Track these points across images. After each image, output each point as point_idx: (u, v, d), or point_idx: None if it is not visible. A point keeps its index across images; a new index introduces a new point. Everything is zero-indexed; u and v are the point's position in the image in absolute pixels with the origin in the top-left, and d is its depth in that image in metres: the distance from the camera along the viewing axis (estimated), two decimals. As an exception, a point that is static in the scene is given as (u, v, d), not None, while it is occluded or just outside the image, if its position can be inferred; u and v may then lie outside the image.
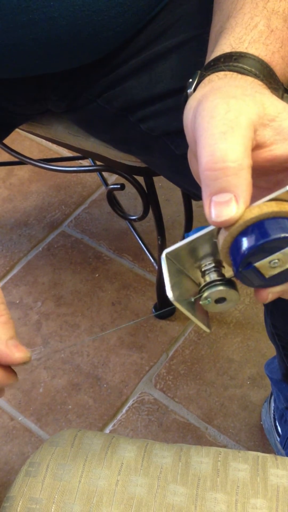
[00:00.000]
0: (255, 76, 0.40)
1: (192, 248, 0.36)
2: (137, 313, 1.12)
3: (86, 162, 1.28)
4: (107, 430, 0.99)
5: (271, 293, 0.35)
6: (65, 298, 1.15)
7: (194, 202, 0.99)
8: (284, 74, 0.43)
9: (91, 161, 1.14)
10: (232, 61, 0.40)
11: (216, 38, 0.45)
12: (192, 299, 0.37)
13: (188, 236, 0.36)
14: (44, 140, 1.38)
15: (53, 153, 1.41)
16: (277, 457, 0.50)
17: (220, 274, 0.36)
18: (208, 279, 0.36)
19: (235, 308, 1.13)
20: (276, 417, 0.91)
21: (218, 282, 0.36)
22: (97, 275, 1.18)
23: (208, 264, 0.36)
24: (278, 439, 0.91)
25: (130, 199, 1.28)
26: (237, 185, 0.32)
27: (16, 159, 0.93)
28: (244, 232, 0.33)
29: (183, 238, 0.36)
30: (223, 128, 0.33)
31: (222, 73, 0.40)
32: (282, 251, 0.32)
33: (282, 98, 0.42)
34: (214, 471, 0.49)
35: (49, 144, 1.40)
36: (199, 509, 0.46)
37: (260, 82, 0.40)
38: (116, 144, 0.75)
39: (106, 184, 1.26)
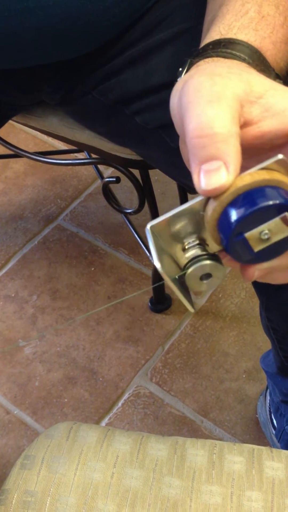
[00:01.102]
0: (244, 61, 0.39)
1: (174, 226, 0.35)
2: (133, 307, 1.12)
3: (82, 155, 1.27)
4: (103, 424, 0.99)
5: (257, 270, 0.34)
6: (61, 291, 1.15)
7: (190, 195, 0.99)
8: (275, 60, 0.42)
9: (86, 154, 1.14)
10: (221, 47, 0.40)
11: (208, 27, 0.45)
12: (176, 276, 0.35)
13: None
14: (39, 133, 1.37)
15: (49, 146, 1.40)
16: (272, 450, 0.50)
17: (204, 250, 0.35)
18: (191, 254, 0.35)
19: (231, 302, 1.13)
20: (271, 410, 0.92)
21: (203, 257, 0.34)
22: (92, 268, 1.18)
23: (192, 241, 0.35)
24: (274, 432, 0.91)
25: (126, 192, 1.27)
26: (227, 152, 0.32)
27: (11, 152, 0.93)
28: (235, 200, 0.32)
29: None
30: (209, 98, 0.33)
31: (209, 58, 0.40)
32: (274, 220, 0.31)
33: None
34: (209, 463, 0.49)
35: (44, 137, 1.40)
36: (194, 502, 0.46)
37: (247, 65, 0.39)
38: (111, 137, 0.75)
39: (102, 177, 1.26)
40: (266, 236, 0.32)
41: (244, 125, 0.34)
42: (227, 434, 0.97)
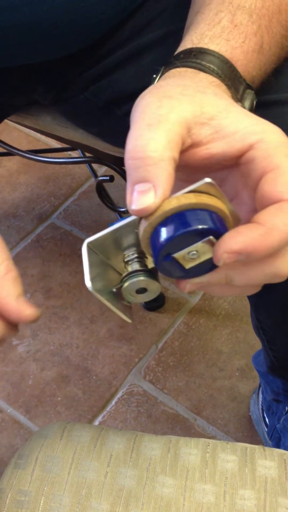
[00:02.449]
0: (213, 72, 0.39)
1: (116, 239, 0.36)
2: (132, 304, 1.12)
3: (75, 154, 1.27)
4: (96, 422, 0.99)
5: (189, 284, 0.36)
6: (54, 290, 1.15)
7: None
8: (247, 70, 0.43)
9: (80, 152, 1.14)
10: (191, 57, 0.40)
11: (185, 33, 0.45)
12: (114, 289, 0.37)
13: (111, 225, 0.36)
14: (32, 131, 1.37)
15: (42, 144, 1.40)
16: (265, 449, 0.51)
17: (142, 265, 0.37)
18: (130, 269, 0.36)
19: (224, 300, 1.13)
20: (264, 408, 0.92)
21: (139, 273, 0.36)
22: (86, 267, 1.18)
23: (131, 254, 0.37)
24: (266, 430, 0.92)
25: (120, 191, 1.27)
26: (156, 175, 0.32)
27: (4, 150, 0.93)
28: (163, 223, 0.33)
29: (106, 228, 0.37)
30: (150, 121, 0.33)
31: (178, 69, 0.40)
32: (199, 242, 0.33)
33: (244, 93, 0.42)
34: (202, 462, 0.49)
35: (38, 135, 1.39)
36: (187, 500, 0.47)
37: (213, 79, 0.39)
38: (104, 137, 0.75)
39: (96, 176, 1.26)
40: (194, 256, 0.33)
41: (192, 146, 0.35)
42: (220, 432, 0.98)
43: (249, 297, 0.72)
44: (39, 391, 1.03)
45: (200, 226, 0.32)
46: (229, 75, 0.40)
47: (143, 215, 0.33)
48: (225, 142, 0.34)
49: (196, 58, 0.40)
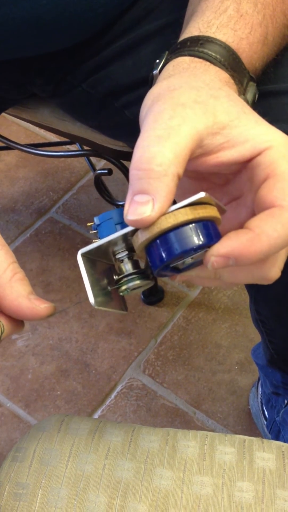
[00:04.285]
0: (220, 63, 0.39)
1: (108, 250, 0.37)
2: (126, 299, 1.12)
3: (74, 147, 1.27)
4: (95, 416, 0.99)
5: (180, 275, 0.37)
6: (53, 284, 1.15)
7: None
8: (251, 62, 0.42)
9: (78, 146, 1.13)
10: (198, 46, 0.40)
11: (187, 20, 0.44)
12: (109, 288, 0.38)
13: (97, 219, 0.37)
14: (31, 125, 1.36)
15: (40, 138, 1.40)
16: (263, 441, 0.51)
17: (134, 263, 0.38)
18: (123, 268, 0.38)
19: (224, 294, 1.13)
20: (263, 402, 0.92)
21: (135, 276, 0.37)
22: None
23: (121, 251, 0.37)
24: (265, 423, 0.92)
25: (118, 184, 1.27)
26: (157, 190, 0.32)
27: (3, 144, 0.92)
28: (161, 239, 0.34)
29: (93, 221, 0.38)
30: (160, 132, 0.33)
31: (186, 60, 0.39)
32: (196, 254, 0.34)
33: (247, 86, 0.42)
34: (200, 454, 0.49)
35: (36, 129, 1.39)
36: (185, 492, 0.47)
37: (223, 75, 0.39)
38: (102, 129, 0.74)
39: (94, 170, 1.25)
40: (189, 261, 0.35)
41: (203, 154, 0.35)
42: (219, 426, 0.98)
43: (249, 290, 0.72)
44: (39, 385, 1.03)
45: (199, 244, 0.33)
46: (234, 67, 0.40)
47: (138, 226, 0.34)
48: (235, 150, 0.34)
49: (203, 48, 0.40)
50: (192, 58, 0.40)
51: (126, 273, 0.37)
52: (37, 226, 1.24)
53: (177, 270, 0.36)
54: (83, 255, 0.36)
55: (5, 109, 0.79)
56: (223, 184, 0.38)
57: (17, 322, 0.38)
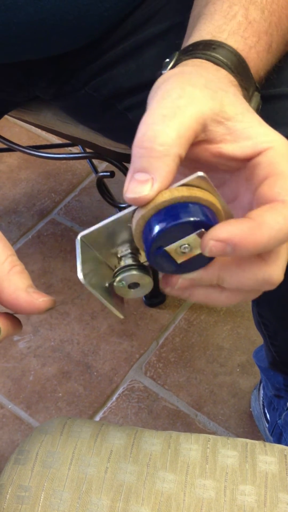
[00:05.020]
0: (230, 70, 0.39)
1: (109, 234, 0.36)
2: (127, 301, 1.12)
3: (76, 149, 1.27)
4: (97, 418, 0.99)
5: (181, 279, 0.35)
6: (55, 286, 1.15)
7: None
8: (257, 70, 0.43)
9: (80, 148, 1.13)
10: (211, 50, 0.40)
11: (193, 22, 0.44)
12: (107, 284, 0.37)
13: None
14: (33, 127, 1.36)
15: (43, 140, 1.40)
16: (265, 444, 0.51)
17: (135, 260, 0.37)
18: (123, 263, 0.37)
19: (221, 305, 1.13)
20: (265, 404, 0.92)
21: (132, 267, 0.36)
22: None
23: (124, 250, 0.37)
24: (267, 425, 0.92)
25: (120, 186, 1.27)
26: (157, 169, 0.32)
27: (5, 146, 0.92)
28: (155, 215, 0.33)
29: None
30: (166, 111, 0.33)
31: (198, 60, 0.39)
32: (191, 235, 0.33)
33: (252, 96, 0.42)
34: (203, 458, 0.49)
35: (38, 131, 1.39)
36: (188, 496, 0.47)
37: (232, 78, 0.39)
38: (104, 132, 0.75)
39: (96, 172, 1.25)
40: (186, 250, 0.33)
41: (205, 141, 0.35)
42: (221, 428, 0.98)
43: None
44: (40, 387, 1.03)
45: (191, 219, 0.32)
46: (243, 75, 0.40)
47: (136, 204, 0.33)
48: (238, 145, 0.34)
49: (215, 53, 0.40)
50: (203, 60, 0.40)
51: (123, 265, 0.37)
52: (39, 228, 1.24)
53: (176, 265, 0.34)
54: (82, 240, 0.36)
55: (8, 111, 0.79)
56: (219, 186, 0.38)
57: (14, 323, 0.37)
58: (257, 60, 0.42)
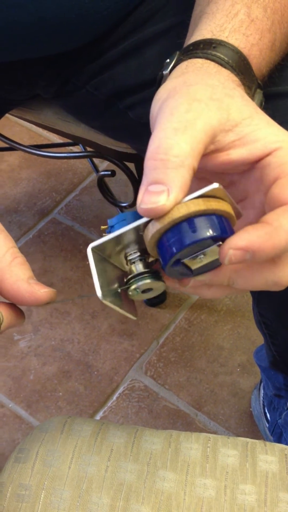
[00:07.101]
0: (231, 68, 0.39)
1: (119, 245, 0.36)
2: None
3: (77, 149, 1.27)
4: (97, 417, 0.99)
5: (193, 280, 0.36)
6: (56, 285, 1.15)
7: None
8: (259, 68, 0.43)
9: (81, 147, 1.13)
10: (211, 49, 0.40)
11: (195, 21, 0.44)
12: (119, 290, 0.37)
13: (111, 222, 0.37)
14: (34, 126, 1.37)
15: (44, 139, 1.40)
16: (266, 443, 0.51)
17: (146, 264, 0.37)
18: (134, 269, 0.37)
19: (226, 296, 1.13)
20: (265, 404, 0.92)
21: (145, 275, 0.36)
22: (87, 262, 1.18)
23: (133, 252, 0.37)
24: (267, 425, 0.92)
25: (121, 186, 1.27)
26: (173, 180, 0.32)
27: (6, 145, 0.92)
28: (173, 230, 0.33)
29: (107, 223, 0.37)
30: (177, 125, 0.33)
31: (199, 61, 0.40)
32: (209, 248, 0.33)
33: (254, 93, 0.42)
34: (203, 457, 0.49)
35: (39, 130, 1.39)
36: (188, 495, 0.47)
37: (235, 78, 0.39)
38: (105, 131, 0.75)
39: (97, 171, 1.25)
40: (202, 259, 0.34)
41: (214, 151, 0.35)
42: (221, 428, 0.98)
43: (252, 292, 0.72)
44: (40, 386, 1.03)
45: (209, 234, 0.32)
46: (244, 73, 0.41)
47: (152, 216, 0.33)
48: (246, 149, 0.34)
49: (216, 51, 0.40)
50: (204, 60, 0.40)
51: (136, 273, 0.37)
52: (39, 227, 1.24)
53: (190, 271, 0.35)
54: (93, 250, 0.36)
55: (8, 110, 0.79)
56: (227, 186, 0.38)
57: (17, 313, 0.37)
58: (259, 57, 0.42)
